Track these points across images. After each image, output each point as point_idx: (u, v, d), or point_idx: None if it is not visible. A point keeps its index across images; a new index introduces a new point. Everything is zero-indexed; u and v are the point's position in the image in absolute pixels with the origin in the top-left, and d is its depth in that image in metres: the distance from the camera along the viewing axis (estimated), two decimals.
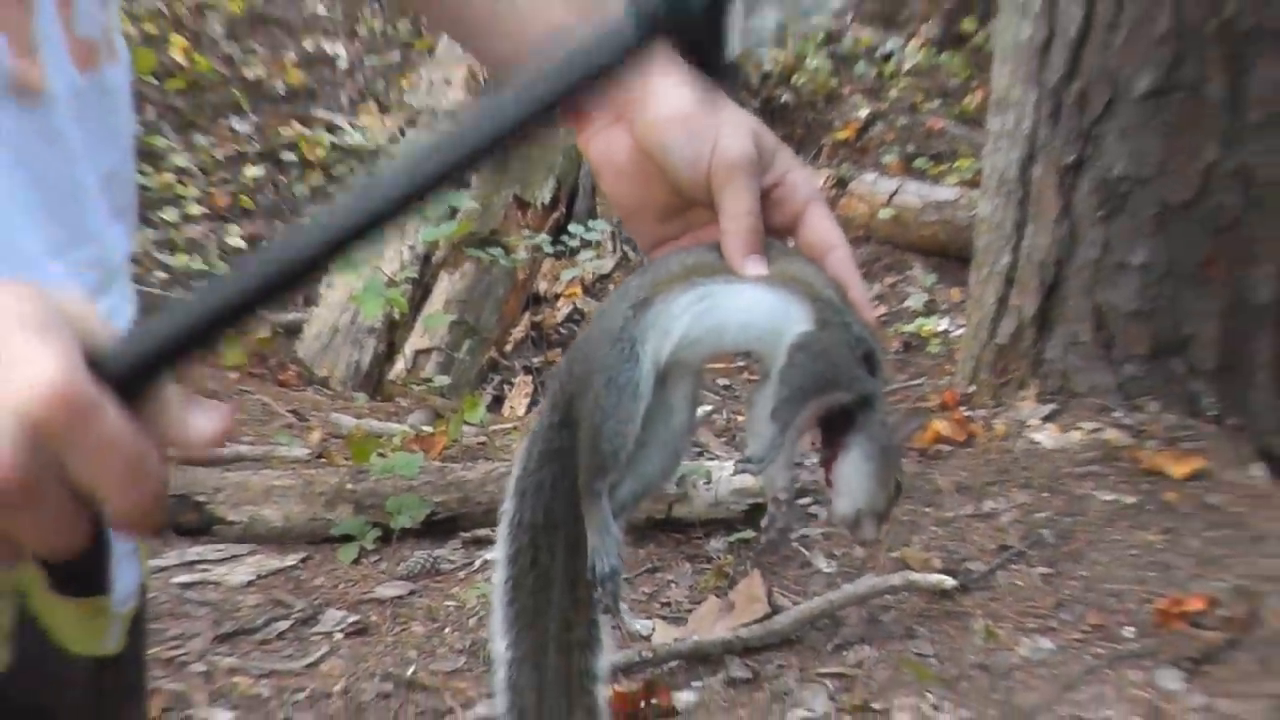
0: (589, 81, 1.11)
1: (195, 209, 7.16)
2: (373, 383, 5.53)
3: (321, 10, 8.71)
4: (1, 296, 0.95)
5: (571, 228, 6.09)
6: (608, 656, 1.42)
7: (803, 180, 1.29)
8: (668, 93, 1.31)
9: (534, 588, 1.42)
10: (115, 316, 1.36)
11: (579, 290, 6.08)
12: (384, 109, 7.73)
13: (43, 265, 1.26)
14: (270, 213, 7.44)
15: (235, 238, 7.03)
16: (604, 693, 1.48)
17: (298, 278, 1.08)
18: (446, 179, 1.08)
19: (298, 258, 1.07)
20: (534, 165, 6.32)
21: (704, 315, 1.33)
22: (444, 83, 6.86)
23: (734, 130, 1.29)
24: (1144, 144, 4.12)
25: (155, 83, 7.89)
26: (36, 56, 1.24)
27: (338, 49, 8.46)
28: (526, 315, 6.07)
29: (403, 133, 6.98)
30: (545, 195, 6.30)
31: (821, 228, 1.29)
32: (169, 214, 7.02)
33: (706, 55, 1.21)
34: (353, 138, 7.68)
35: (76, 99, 1.28)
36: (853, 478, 1.46)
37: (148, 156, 7.58)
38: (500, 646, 1.43)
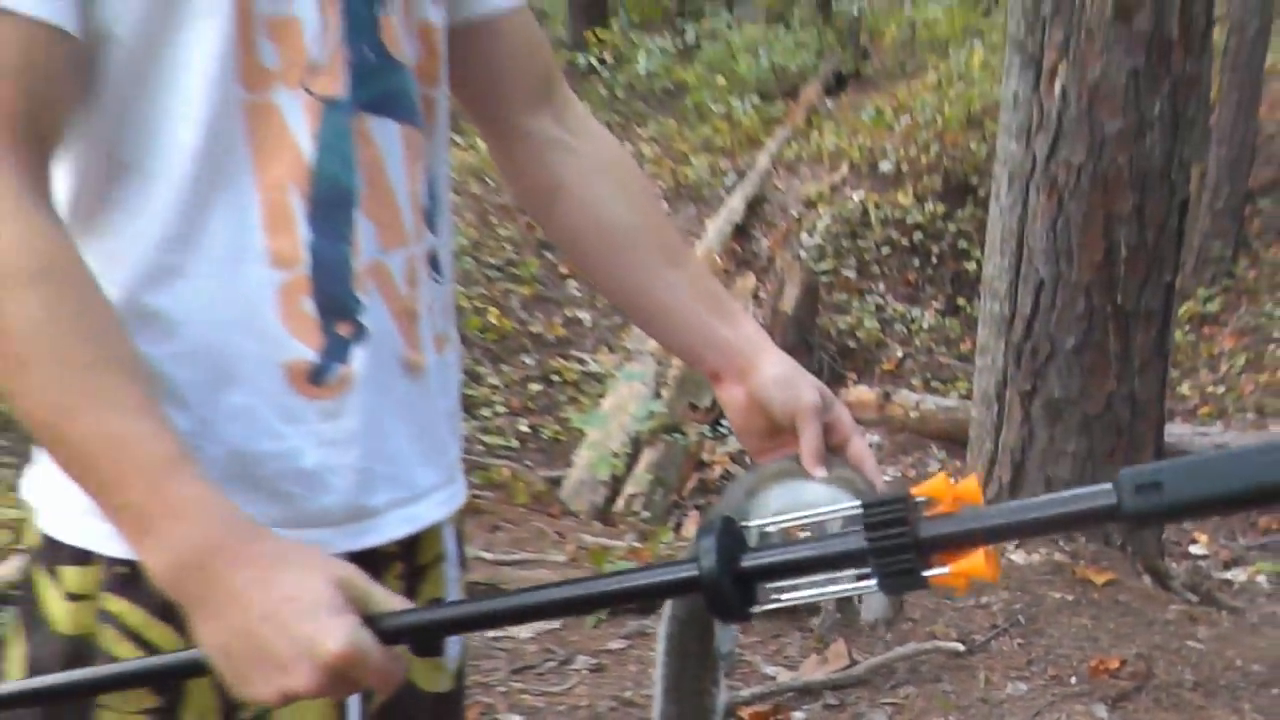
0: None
1: (500, 409, 7.14)
2: (604, 515, 5.47)
3: (575, 291, 8.75)
4: (312, 581, 0.98)
5: (722, 422, 6.10)
6: (723, 698, 1.30)
7: (847, 418, 1.25)
8: (769, 362, 1.28)
9: (681, 654, 1.30)
10: (454, 499, 1.33)
11: (728, 459, 6.02)
12: (611, 350, 7.73)
13: (424, 481, 1.25)
14: (544, 410, 7.32)
15: (524, 426, 6.98)
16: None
17: None
18: None
19: None
20: (701, 388, 6.34)
21: (789, 499, 1.24)
22: (645, 336, 6.87)
23: (809, 389, 1.24)
24: (1072, 379, 4.05)
25: (480, 334, 7.95)
26: (419, 348, 1.22)
27: (583, 314, 8.47)
28: (695, 474, 5.98)
29: (624, 363, 6.99)
30: (706, 401, 6.26)
31: (858, 446, 1.24)
32: (485, 412, 7.03)
33: None
34: (592, 368, 7.67)
35: (436, 370, 1.24)
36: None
37: (473, 376, 7.63)
38: (659, 692, 1.33)
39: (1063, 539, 4.16)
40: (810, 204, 9.98)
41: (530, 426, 7.19)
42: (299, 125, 1.11)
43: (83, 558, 1.14)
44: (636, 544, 4.61)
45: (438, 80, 1.26)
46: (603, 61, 12.71)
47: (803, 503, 1.21)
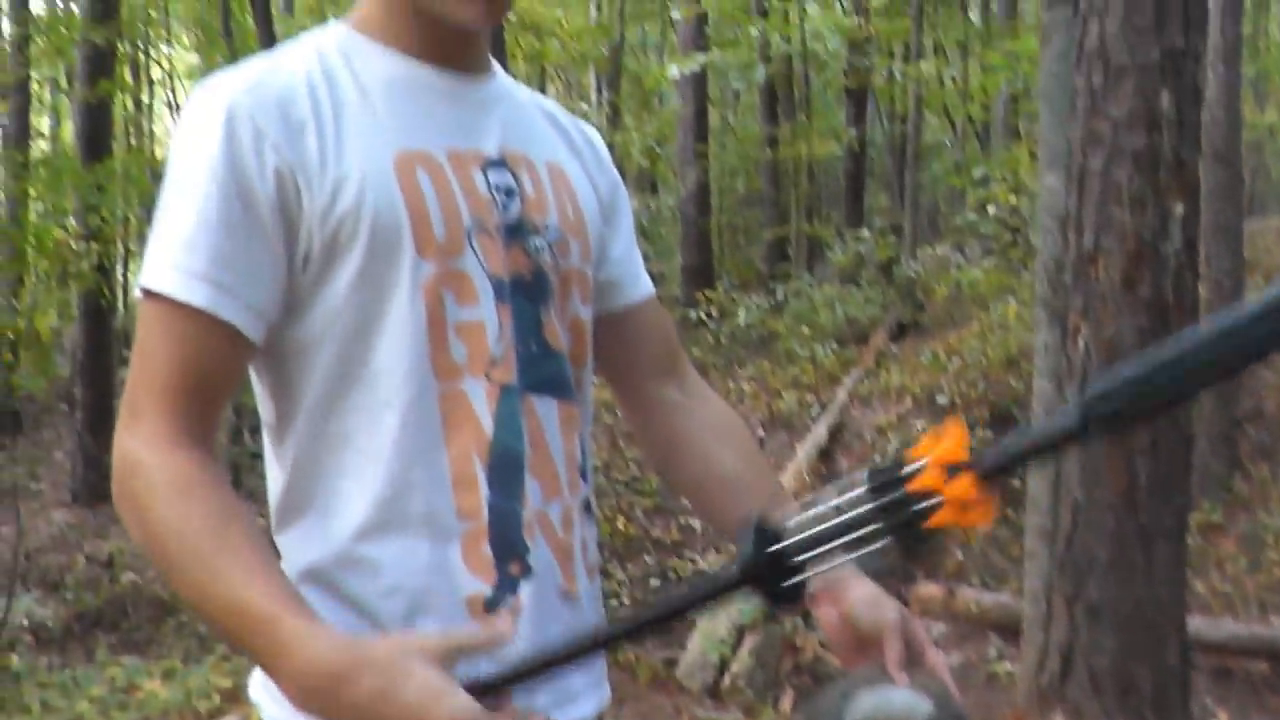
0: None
1: (626, 600, 7.18)
2: (714, 691, 5.36)
3: (687, 503, 8.75)
4: (417, 673, 0.97)
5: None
6: None
7: (922, 633, 1.21)
8: (858, 586, 1.24)
9: None
10: (602, 700, 1.31)
11: (818, 644, 5.95)
12: (718, 551, 7.71)
13: (577, 685, 1.25)
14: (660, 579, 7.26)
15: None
16: None
17: None
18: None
19: None
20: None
21: (878, 700, 1.22)
22: None
23: (891, 609, 1.21)
24: (1107, 586, 4.05)
25: (609, 538, 8.01)
26: (574, 579, 1.24)
27: (695, 522, 8.51)
28: (790, 657, 5.94)
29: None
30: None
31: (933, 656, 1.20)
32: (613, 603, 7.02)
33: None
34: (702, 567, 7.70)
35: (588, 595, 1.26)
36: None
37: (604, 573, 7.57)
38: None
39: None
40: (881, 431, 9.90)
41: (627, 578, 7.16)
42: (481, 406, 1.16)
43: None
44: (741, 718, 4.50)
45: (585, 362, 1.30)
46: (709, 315, 12.89)
47: (890, 703, 1.19)
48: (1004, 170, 12.19)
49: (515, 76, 1.40)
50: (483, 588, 1.16)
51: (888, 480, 0.87)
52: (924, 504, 0.85)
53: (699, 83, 14.96)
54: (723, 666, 5.65)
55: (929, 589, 6.90)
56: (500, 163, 1.23)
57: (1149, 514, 3.94)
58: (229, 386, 1.14)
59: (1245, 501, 8.56)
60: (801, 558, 0.96)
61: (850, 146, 16.05)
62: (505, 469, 1.17)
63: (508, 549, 1.17)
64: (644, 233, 16.18)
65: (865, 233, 13.81)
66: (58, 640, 7.76)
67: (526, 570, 1.18)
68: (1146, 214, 3.90)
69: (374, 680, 0.97)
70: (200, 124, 1.12)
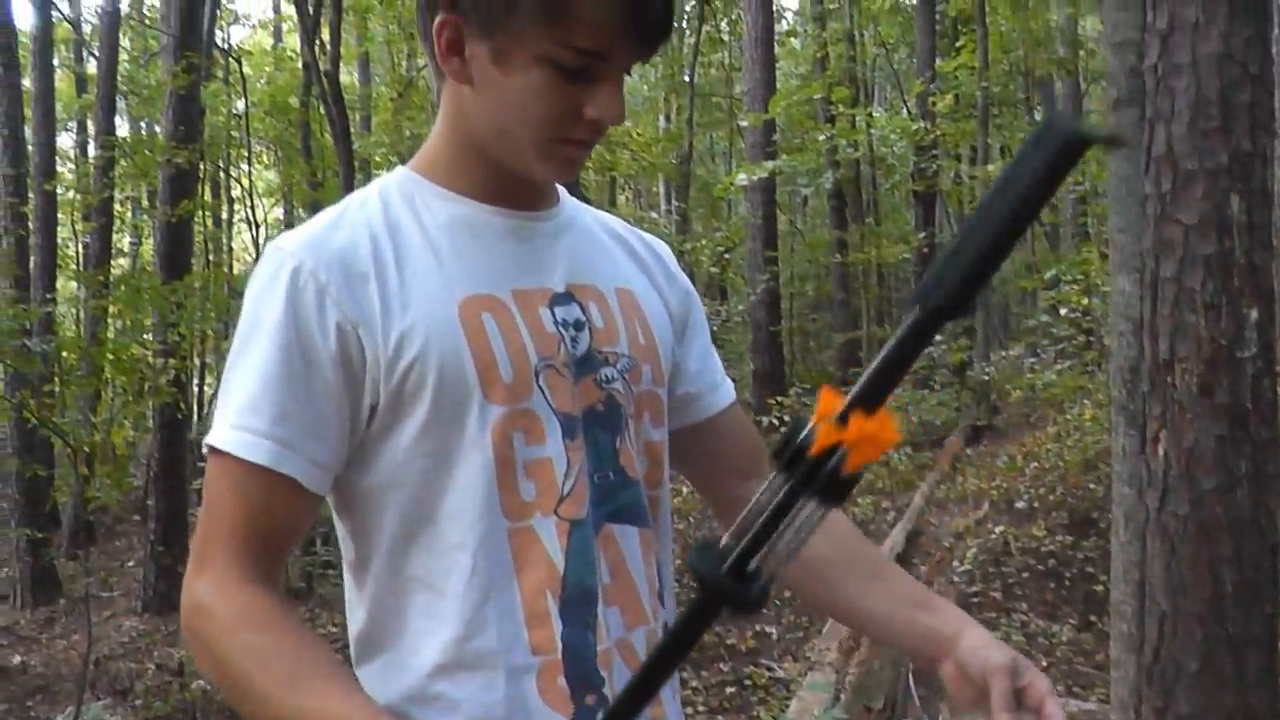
0: None
1: (701, 709, 7.10)
2: None
3: (763, 610, 8.61)
4: None
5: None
6: None
7: (1042, 683, 1.17)
8: (968, 635, 1.22)
9: None
10: None
11: None
12: (795, 659, 7.61)
13: None
14: (738, 709, 7.16)
15: None
16: None
17: None
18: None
19: None
20: (873, 692, 6.12)
21: None
22: (825, 648, 6.71)
23: (998, 652, 1.19)
24: (1195, 696, 3.92)
25: None
26: (661, 704, 1.27)
27: (770, 629, 8.37)
28: None
29: (806, 672, 6.80)
30: (879, 704, 6.06)
31: (1051, 707, 1.15)
32: (689, 710, 6.91)
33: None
34: (779, 674, 7.55)
35: (673, 717, 1.30)
36: None
37: (680, 682, 7.49)
38: None
39: None
40: (959, 536, 9.79)
41: None
42: (552, 543, 1.18)
43: None
44: None
45: (660, 485, 1.31)
46: (782, 420, 12.89)
47: None
48: (1074, 271, 12.16)
49: (586, 188, 1.44)
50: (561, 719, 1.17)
51: (792, 456, 0.87)
52: (834, 458, 0.85)
53: (768, 189, 15.11)
54: None
55: None
56: (567, 296, 1.25)
57: (1236, 623, 3.86)
58: (293, 534, 1.18)
59: None
60: (754, 560, 0.91)
61: (919, 249, 16.11)
62: (578, 603, 1.19)
63: (583, 681, 1.18)
64: (715, 339, 16.28)
65: (937, 336, 13.78)
66: None
67: (603, 700, 1.19)
68: (1221, 320, 3.90)
69: None
70: (266, 282, 1.16)
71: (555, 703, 1.18)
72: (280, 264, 1.16)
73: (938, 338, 13.93)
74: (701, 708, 7.24)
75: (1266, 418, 3.94)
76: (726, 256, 15.13)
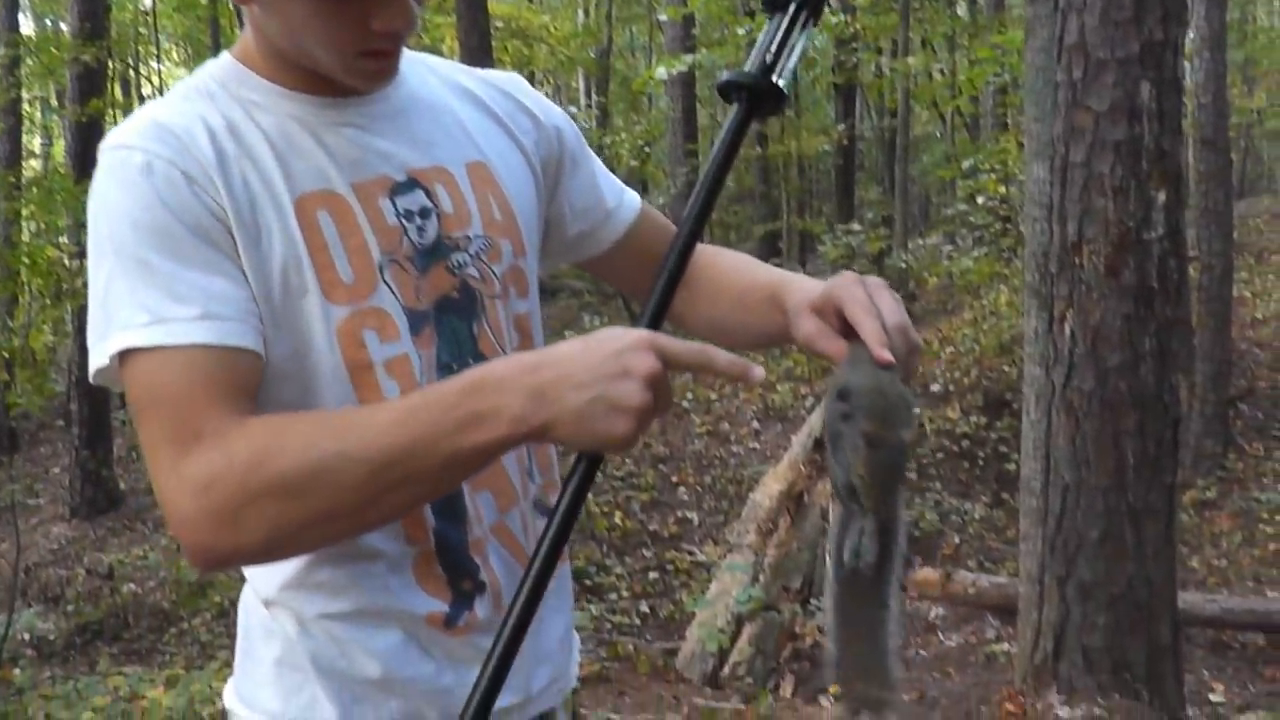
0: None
1: (625, 593, 7.22)
2: (713, 681, 5.41)
3: (684, 496, 8.78)
4: (611, 338, 1.00)
5: (811, 600, 5.98)
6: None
7: (877, 293, 1.12)
8: (800, 286, 1.21)
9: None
10: (564, 689, 1.36)
11: (817, 631, 5.96)
12: (716, 543, 7.74)
13: (538, 682, 1.31)
14: (660, 594, 7.33)
15: (644, 607, 7.08)
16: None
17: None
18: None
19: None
20: (791, 572, 6.27)
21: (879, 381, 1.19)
22: (745, 531, 6.86)
23: (845, 281, 1.14)
24: (1098, 565, 4.11)
25: (607, 532, 7.99)
26: None
27: (692, 515, 8.52)
28: (790, 644, 5.90)
29: (725, 555, 6.95)
30: (796, 583, 6.19)
31: (884, 303, 1.10)
32: (612, 596, 7.13)
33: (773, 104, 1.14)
34: (700, 558, 7.69)
35: (551, 591, 1.21)
36: None
37: (602, 567, 7.67)
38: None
39: (1099, 697, 4.04)
40: None
41: (649, 608, 7.21)
42: None
43: None
44: (740, 705, 4.58)
45: None
46: None
47: (883, 381, 1.10)
48: (993, 161, 12.27)
49: None
50: (440, 606, 1.19)
51: None
52: None
53: (688, 83, 15.00)
54: (722, 657, 5.73)
55: (926, 573, 6.98)
56: (410, 184, 1.19)
57: (1137, 494, 4.03)
58: (256, 389, 1.11)
59: (1239, 478, 8.68)
60: (776, 69, 1.15)
61: (839, 142, 16.12)
62: (444, 496, 1.18)
63: (458, 569, 1.20)
64: None
65: (856, 226, 13.88)
66: (60, 653, 7.81)
67: (480, 586, 1.21)
68: (1130, 203, 3.99)
69: (565, 344, 1.01)
70: (122, 181, 1.09)
71: (434, 590, 1.19)
72: (129, 161, 1.09)
73: (856, 227, 14.05)
74: (625, 593, 7.40)
75: (1171, 297, 4.06)
76: (647, 150, 15.04)
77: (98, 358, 1.08)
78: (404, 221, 1.18)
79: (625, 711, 4.60)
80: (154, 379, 1.05)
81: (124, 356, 1.06)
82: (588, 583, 7.42)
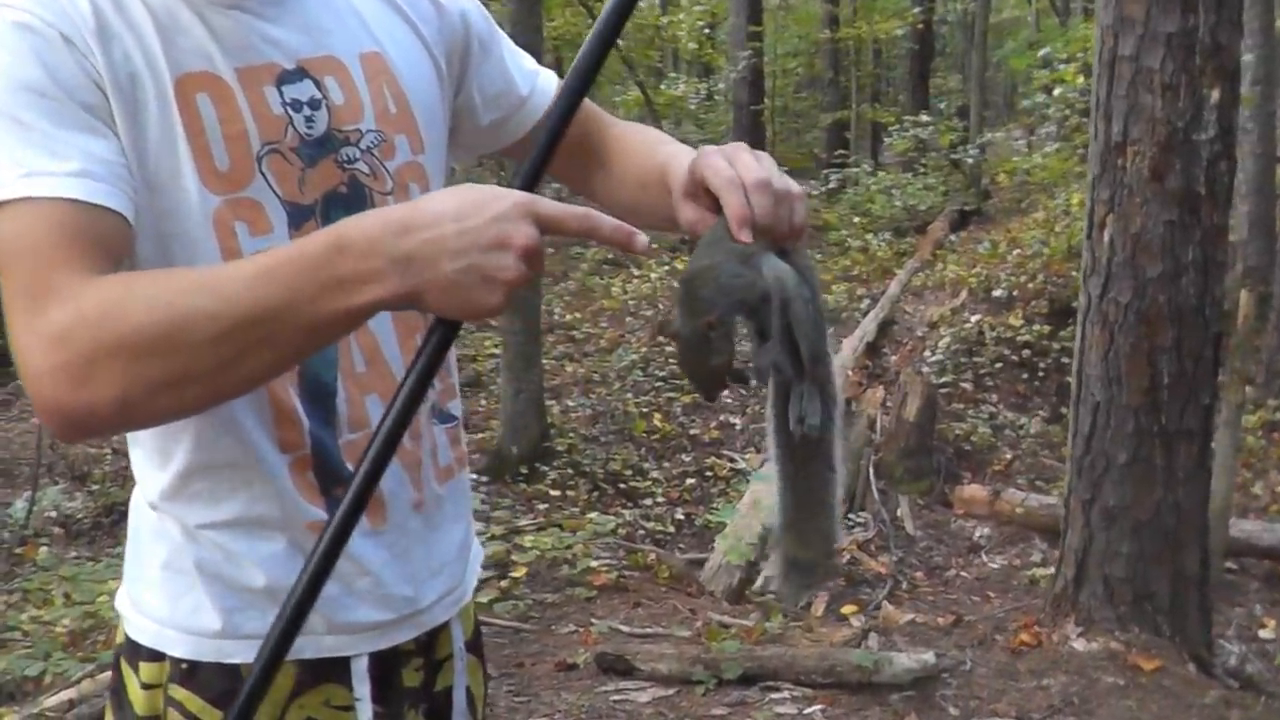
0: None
1: (660, 499, 7.22)
2: (738, 595, 5.39)
3: (728, 400, 8.74)
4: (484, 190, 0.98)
5: (850, 515, 5.99)
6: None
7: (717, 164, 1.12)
8: (681, 166, 1.19)
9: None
10: (458, 602, 1.36)
11: (855, 546, 5.94)
12: (759, 450, 7.74)
13: (431, 593, 1.32)
14: (698, 501, 7.27)
15: (680, 514, 7.06)
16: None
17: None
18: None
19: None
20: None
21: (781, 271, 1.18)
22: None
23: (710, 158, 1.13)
24: (1124, 489, 3.99)
25: (645, 435, 8.02)
26: (423, 488, 1.29)
27: (735, 420, 8.50)
28: None
29: (764, 464, 6.93)
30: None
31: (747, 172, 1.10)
32: (647, 501, 7.14)
33: None
34: (741, 465, 7.67)
35: (443, 498, 1.31)
36: None
37: (639, 471, 7.69)
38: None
39: (1118, 630, 3.99)
40: (933, 325, 9.84)
41: (685, 515, 7.21)
42: None
43: (155, 656, 1.23)
44: (751, 624, 4.59)
45: None
46: None
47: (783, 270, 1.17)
48: (1074, 49, 11.84)
49: None
50: (319, 513, 1.19)
51: None
52: None
53: None
54: (750, 571, 5.73)
55: (974, 490, 6.92)
56: (299, 73, 1.18)
57: (1170, 415, 3.91)
58: (123, 258, 1.08)
59: None
60: None
61: (915, 26, 15.68)
62: (317, 398, 1.19)
63: (330, 475, 1.20)
64: (694, 119, 16.02)
65: (925, 116, 13.55)
66: (87, 532, 8.03)
67: None
68: (1180, 101, 3.81)
69: (437, 198, 0.99)
70: (1, 41, 1.05)
71: (310, 497, 1.19)
72: (5, 18, 1.06)
73: (925, 117, 13.71)
74: (661, 499, 7.41)
75: (1220, 204, 3.90)
76: (709, 32, 14.76)
77: None
78: (290, 111, 1.16)
79: (636, 623, 4.63)
80: (17, 230, 1.02)
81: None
82: (622, 486, 7.44)
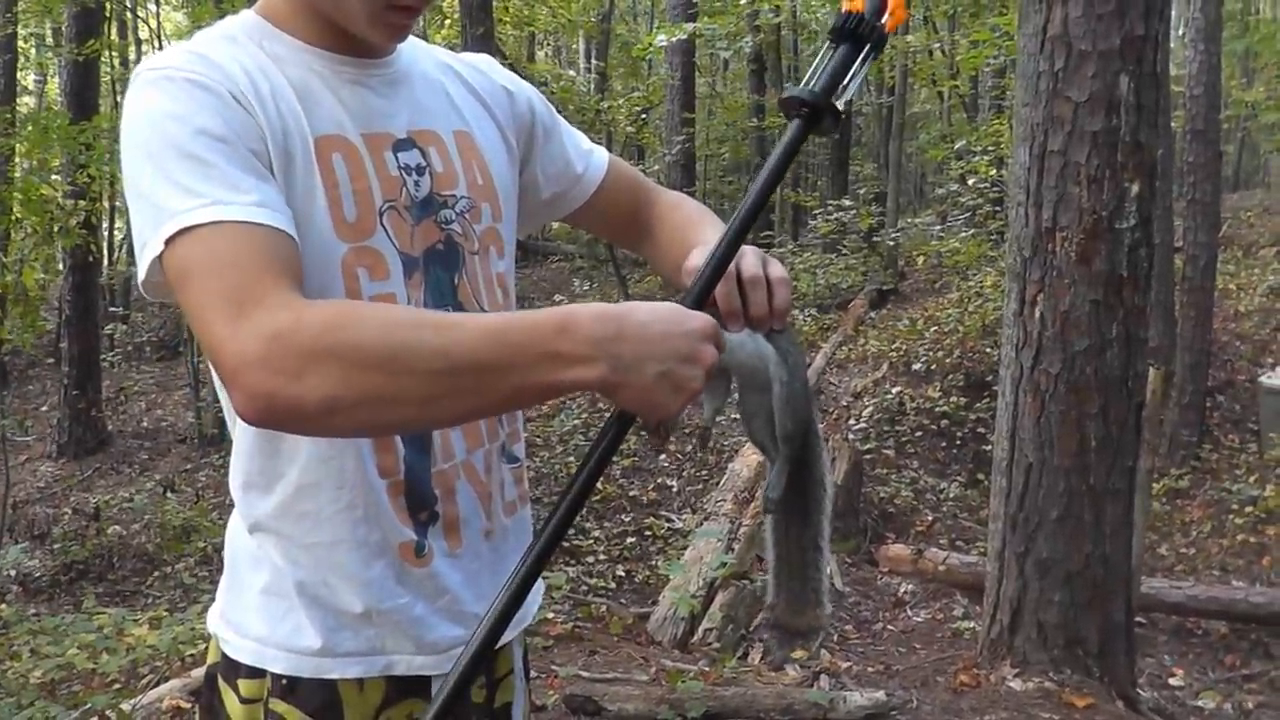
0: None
1: (603, 557, 7.44)
2: (683, 645, 5.50)
3: (665, 463, 8.85)
4: (681, 320, 1.09)
5: None
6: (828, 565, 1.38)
7: (749, 257, 1.26)
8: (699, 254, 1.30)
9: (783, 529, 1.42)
10: (520, 624, 1.43)
11: None
12: (693, 511, 7.84)
13: None
14: (637, 558, 7.47)
15: (620, 571, 7.29)
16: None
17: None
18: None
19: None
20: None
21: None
22: (722, 500, 6.94)
23: (699, 257, 1.27)
24: (1056, 543, 4.22)
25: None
26: (493, 518, 1.38)
27: (671, 482, 8.61)
28: (761, 613, 5.99)
29: (702, 523, 7.02)
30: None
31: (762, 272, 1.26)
32: (590, 559, 7.26)
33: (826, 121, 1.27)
34: (678, 525, 7.78)
35: (508, 530, 1.39)
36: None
37: (580, 530, 7.80)
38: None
39: (1051, 671, 4.17)
40: (857, 396, 10.09)
41: (626, 571, 7.32)
42: None
43: (256, 673, 1.30)
44: (706, 667, 4.70)
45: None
46: None
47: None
48: (986, 143, 12.33)
49: (503, 42, 1.50)
50: (410, 535, 1.28)
51: (848, 30, 1.26)
52: (881, 19, 1.25)
53: (687, 51, 14.95)
54: (693, 622, 5.83)
55: (898, 549, 7.12)
56: (409, 142, 1.29)
57: (1098, 475, 4.14)
58: (301, 282, 1.12)
59: (1213, 469, 8.85)
60: (837, 91, 1.27)
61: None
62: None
63: (419, 500, 1.29)
64: None
65: (847, 201, 13.93)
66: (45, 590, 7.91)
67: (434, 517, 1.30)
68: (1104, 192, 4.09)
69: (645, 311, 1.08)
70: (172, 93, 1.13)
71: (402, 520, 1.28)
72: (176, 78, 1.14)
73: (848, 203, 14.11)
74: (603, 556, 7.52)
75: (1140, 286, 4.17)
76: (644, 117, 15.04)
77: (150, 251, 1.10)
78: (404, 174, 1.28)
79: (595, 669, 4.71)
80: (211, 248, 1.06)
81: (177, 240, 1.08)
82: (565, 545, 7.53)
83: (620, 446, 1.16)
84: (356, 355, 1.01)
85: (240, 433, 1.30)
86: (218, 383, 1.24)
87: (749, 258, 1.26)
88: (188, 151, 1.10)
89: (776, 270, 1.27)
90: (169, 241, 1.08)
